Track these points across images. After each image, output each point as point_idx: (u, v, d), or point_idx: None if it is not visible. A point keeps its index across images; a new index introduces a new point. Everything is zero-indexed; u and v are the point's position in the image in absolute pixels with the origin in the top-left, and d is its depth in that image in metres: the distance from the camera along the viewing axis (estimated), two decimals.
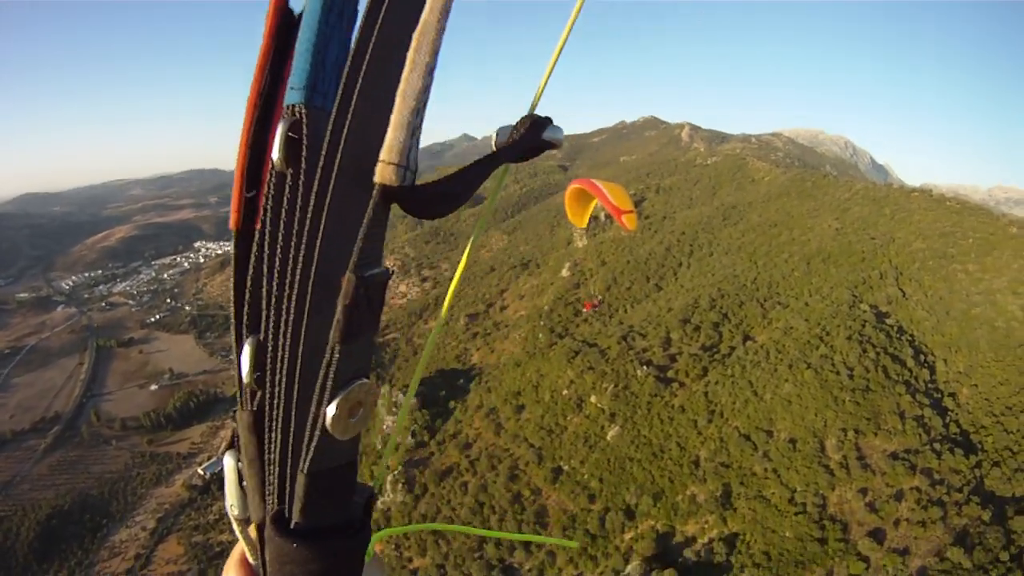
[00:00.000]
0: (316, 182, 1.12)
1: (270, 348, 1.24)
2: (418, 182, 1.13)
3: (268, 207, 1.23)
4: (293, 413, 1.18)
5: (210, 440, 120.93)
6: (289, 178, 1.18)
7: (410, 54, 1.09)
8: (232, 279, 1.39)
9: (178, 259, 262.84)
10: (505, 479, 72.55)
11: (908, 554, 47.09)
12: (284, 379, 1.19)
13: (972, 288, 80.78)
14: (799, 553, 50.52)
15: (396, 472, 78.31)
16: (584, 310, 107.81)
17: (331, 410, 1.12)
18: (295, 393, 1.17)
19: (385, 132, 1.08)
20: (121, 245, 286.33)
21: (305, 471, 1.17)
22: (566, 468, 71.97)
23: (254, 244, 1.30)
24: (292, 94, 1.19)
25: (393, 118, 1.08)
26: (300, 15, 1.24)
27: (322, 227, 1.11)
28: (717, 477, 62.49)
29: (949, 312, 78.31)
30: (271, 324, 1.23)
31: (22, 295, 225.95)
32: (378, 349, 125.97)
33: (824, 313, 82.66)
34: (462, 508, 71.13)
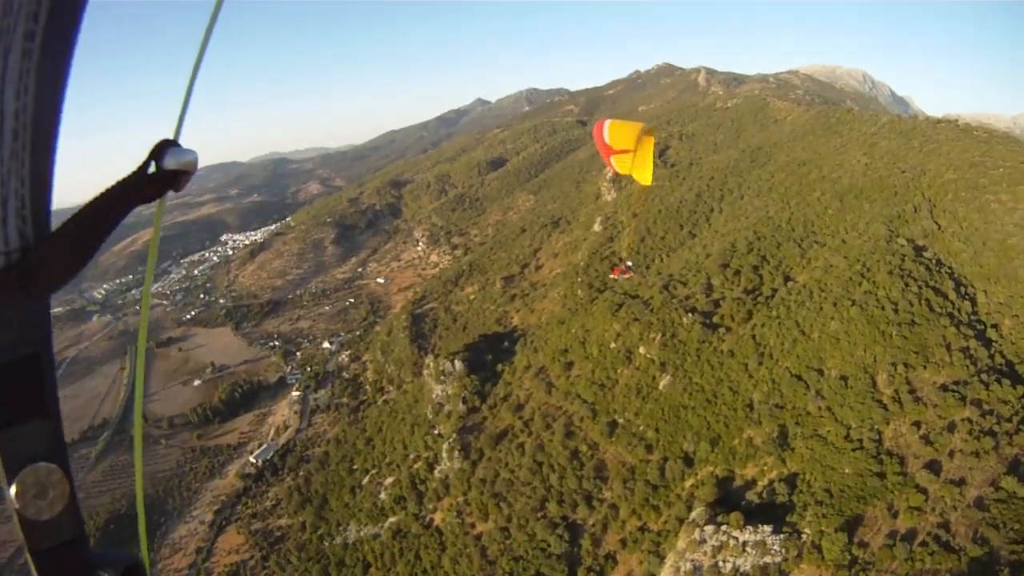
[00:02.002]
0: None
1: None
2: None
3: None
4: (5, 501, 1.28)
5: (258, 428, 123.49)
6: None
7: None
8: None
9: (207, 254, 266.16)
10: (561, 437, 75.30)
11: (964, 484, 49.45)
12: None
13: (1007, 218, 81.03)
14: (859, 488, 53.03)
15: (451, 439, 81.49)
16: (612, 276, 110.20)
17: (12, 494, 1.19)
18: None
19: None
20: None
21: (27, 550, 1.26)
22: (621, 421, 74.61)
23: None
24: None
25: None
26: None
27: None
28: (772, 419, 64.99)
29: (985, 243, 78.96)
30: None
31: (56, 309, 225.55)
32: (420, 319, 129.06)
33: (862, 249, 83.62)
34: (521, 469, 73.88)
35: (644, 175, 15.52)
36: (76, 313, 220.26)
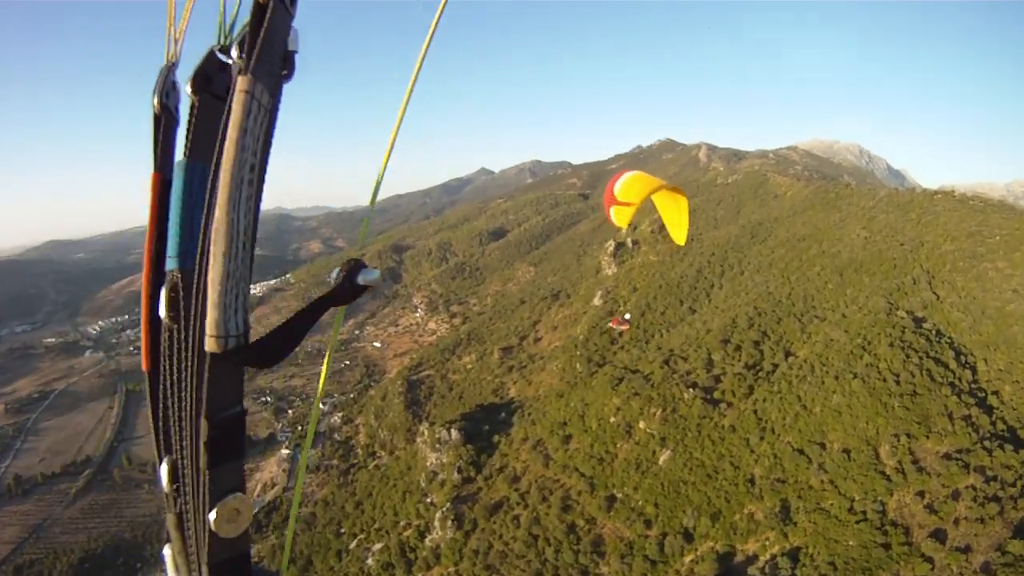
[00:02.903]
0: (190, 336, 1.58)
1: (179, 466, 1.74)
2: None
3: (164, 355, 1.72)
4: (200, 516, 1.67)
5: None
6: (174, 333, 1.67)
7: (214, 234, 1.49)
8: (150, 409, 1.90)
9: None
10: (558, 510, 74.44)
11: (970, 551, 49.09)
12: (190, 490, 1.68)
13: (1004, 285, 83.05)
14: (864, 560, 52.53)
15: (444, 508, 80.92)
16: (611, 326, 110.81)
17: (212, 517, 1.61)
18: (199, 499, 1.64)
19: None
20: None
21: (206, 562, 1.69)
22: (620, 495, 74.04)
23: (159, 383, 1.78)
24: (169, 261, 1.72)
25: (209, 296, 1.48)
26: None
27: (194, 374, 1.56)
28: (774, 493, 64.76)
29: (984, 311, 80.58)
30: (178, 447, 1.74)
31: (49, 340, 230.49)
32: (415, 385, 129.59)
33: (863, 323, 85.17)
34: (515, 542, 72.65)
35: (679, 234, 15.54)
36: (69, 346, 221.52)
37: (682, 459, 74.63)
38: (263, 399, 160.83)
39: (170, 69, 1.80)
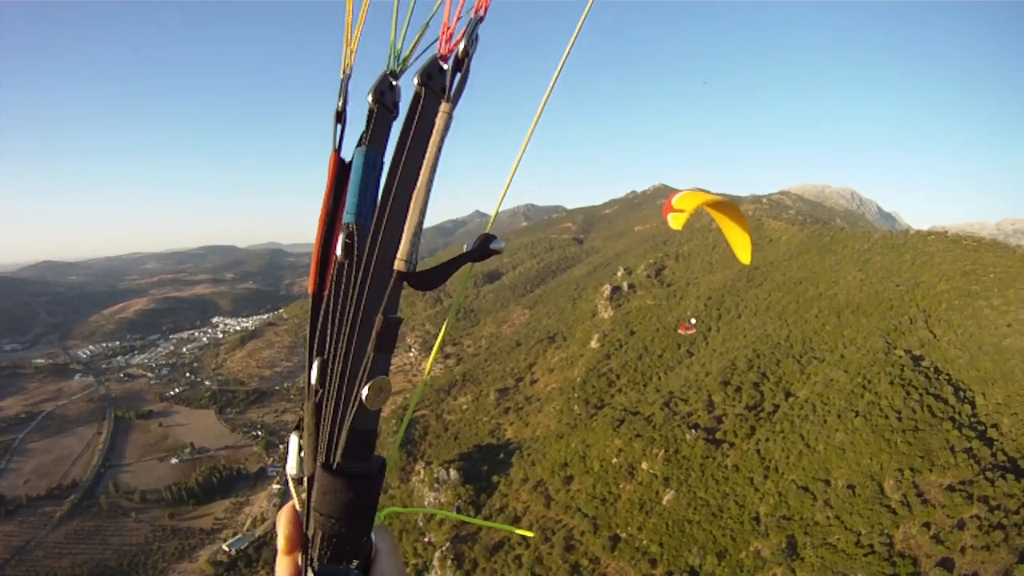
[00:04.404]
0: (362, 269, 2.23)
1: (329, 362, 2.26)
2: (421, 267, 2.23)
3: (333, 282, 2.35)
4: (342, 398, 2.16)
5: (234, 516, 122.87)
6: (345, 267, 2.30)
7: (413, 199, 2.22)
8: (309, 320, 2.44)
9: (196, 334, 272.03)
10: (561, 550, 75.56)
11: None
12: (337, 379, 2.19)
13: (1000, 321, 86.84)
14: None
15: (444, 548, 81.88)
16: (680, 331, 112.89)
17: (365, 391, 2.07)
18: (344, 385, 2.16)
19: (399, 241, 2.18)
20: (138, 317, 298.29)
21: (348, 428, 2.12)
22: (624, 535, 75.48)
23: (323, 302, 2.41)
24: (347, 216, 2.37)
25: (404, 234, 2.18)
26: (349, 163, 2.45)
27: (365, 292, 2.19)
28: (780, 530, 66.68)
29: (981, 347, 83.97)
30: (332, 348, 2.27)
31: (39, 361, 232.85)
32: (410, 425, 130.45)
33: (862, 362, 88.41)
34: None
35: (743, 253, 16.64)
36: (59, 368, 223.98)
37: (686, 499, 76.44)
38: (254, 433, 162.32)
39: (348, 79, 2.63)
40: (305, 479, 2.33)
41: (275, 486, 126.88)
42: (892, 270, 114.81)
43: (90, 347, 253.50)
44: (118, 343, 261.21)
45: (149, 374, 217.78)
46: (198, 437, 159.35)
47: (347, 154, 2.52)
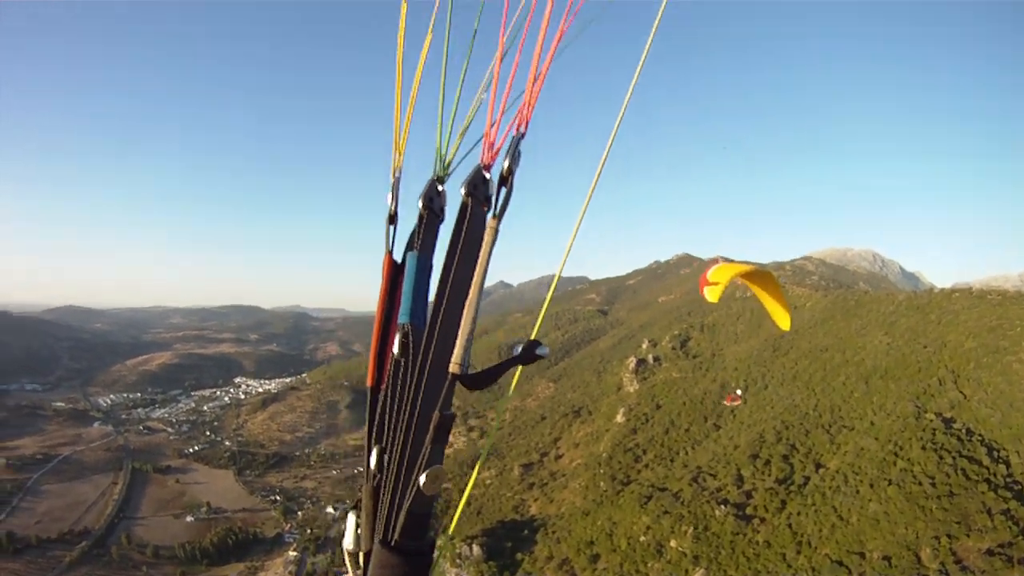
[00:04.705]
0: (417, 368, 2.49)
1: (388, 451, 2.57)
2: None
3: (390, 377, 2.64)
4: (400, 483, 2.45)
5: None
6: (402, 364, 2.57)
7: (466, 308, 2.48)
8: (367, 411, 2.77)
9: (218, 392, 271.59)
10: None
11: None
12: (395, 466, 2.49)
13: None
14: None
15: None
16: (726, 403, 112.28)
17: (423, 478, 2.32)
18: (402, 472, 2.44)
19: (453, 344, 2.40)
20: (161, 371, 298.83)
21: (406, 511, 2.37)
22: None
23: (380, 394, 2.73)
24: (402, 316, 2.69)
25: (459, 339, 2.41)
26: (402, 263, 2.82)
27: (421, 389, 2.46)
28: None
29: (1012, 404, 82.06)
30: (390, 438, 2.57)
31: (59, 404, 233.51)
32: (433, 498, 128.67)
33: (893, 429, 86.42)
34: None
35: (782, 319, 17.48)
36: (78, 414, 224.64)
37: None
38: (272, 497, 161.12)
39: (398, 182, 3.02)
40: (361, 555, 2.76)
41: (291, 553, 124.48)
42: (918, 331, 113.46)
43: (111, 396, 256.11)
44: (139, 395, 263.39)
45: (169, 429, 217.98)
46: (215, 497, 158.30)
47: (397, 253, 2.97)
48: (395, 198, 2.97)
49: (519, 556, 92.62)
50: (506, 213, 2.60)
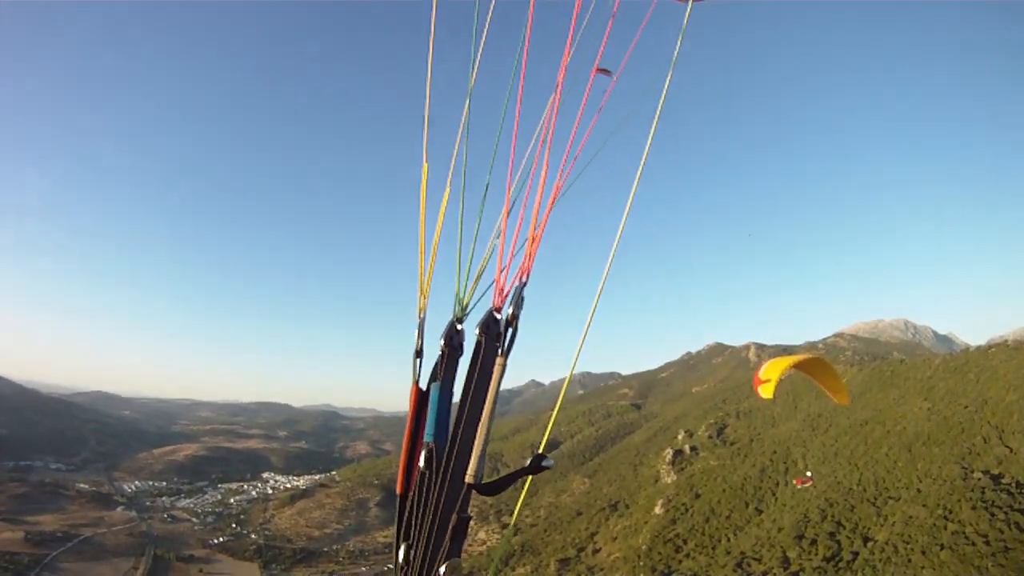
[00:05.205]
0: (439, 478, 3.16)
1: (413, 547, 3.07)
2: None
3: (416, 486, 3.20)
4: (423, 574, 2.95)
5: None
6: (427, 475, 3.19)
7: (479, 429, 3.25)
8: (396, 514, 3.26)
9: (245, 486, 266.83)
10: None
11: None
12: (419, 560, 2.98)
13: None
14: None
15: None
16: (796, 484, 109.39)
17: (443, 569, 2.91)
18: (425, 565, 2.93)
19: (469, 460, 3.11)
20: (188, 462, 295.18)
21: None
22: None
23: (407, 500, 3.25)
24: (427, 436, 3.35)
25: (473, 455, 3.14)
26: (427, 391, 3.49)
27: (443, 496, 3.07)
28: None
29: None
30: (416, 537, 3.06)
31: (82, 485, 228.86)
32: None
33: (940, 493, 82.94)
34: None
35: (839, 396, 17.84)
36: (102, 497, 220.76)
37: None
38: None
39: (423, 323, 3.59)
40: None
41: None
42: (958, 392, 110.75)
43: (136, 482, 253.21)
44: (165, 483, 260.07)
45: (194, 519, 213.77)
46: None
47: (423, 382, 3.58)
48: (420, 336, 3.54)
49: None
50: (512, 350, 3.27)
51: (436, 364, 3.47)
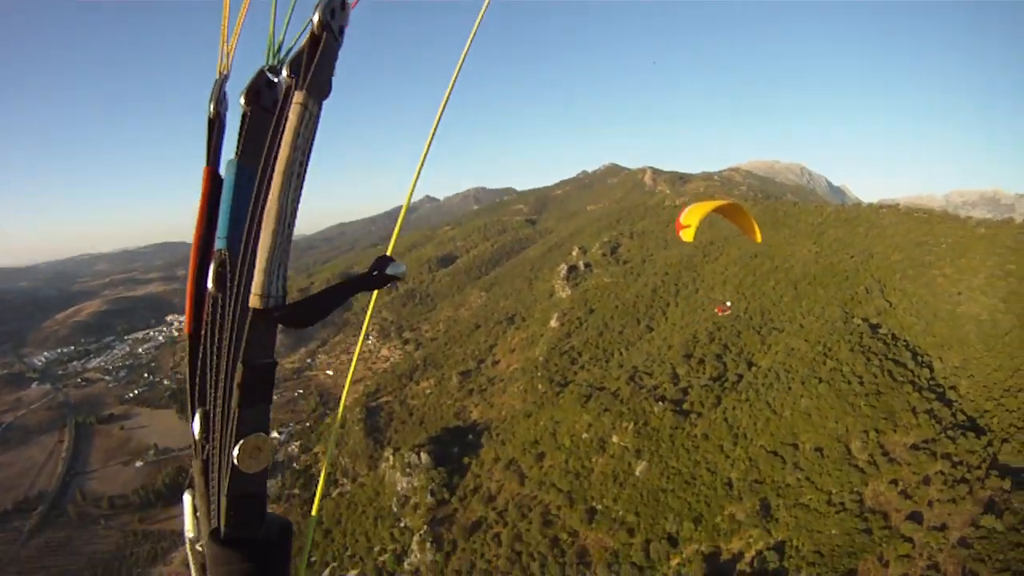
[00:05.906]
0: (234, 304, 2.00)
1: (211, 414, 2.08)
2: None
3: (207, 319, 2.14)
4: (222, 458, 1.97)
5: None
6: (219, 301, 2.09)
7: (264, 215, 1.93)
8: (187, 368, 2.31)
9: (151, 333, 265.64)
10: (539, 525, 77.50)
11: (947, 528, 55.61)
12: (218, 434, 1.99)
13: (952, 289, 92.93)
14: (848, 545, 58.18)
15: (422, 531, 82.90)
16: (717, 312, 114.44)
17: (236, 451, 1.89)
18: (224, 444, 1.96)
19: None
20: (92, 320, 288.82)
21: (226, 495, 1.96)
22: (599, 507, 77.85)
23: (200, 344, 2.23)
24: (218, 241, 2.15)
25: (258, 263, 1.90)
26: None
27: (243, 333, 1.93)
28: (753, 494, 69.99)
29: (936, 314, 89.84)
30: (212, 399, 2.07)
31: None
32: (374, 412, 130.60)
33: (821, 331, 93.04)
34: (499, 559, 75.28)
35: (755, 235, 18.41)
36: (15, 378, 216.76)
37: (658, 469, 79.13)
38: None
39: (223, 80, 2.43)
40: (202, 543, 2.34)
41: None
42: (846, 242, 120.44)
43: (45, 354, 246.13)
44: (73, 348, 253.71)
45: (107, 377, 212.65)
46: (161, 438, 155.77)
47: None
48: (215, 98, 2.46)
49: (466, 460, 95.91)
50: (323, 84, 2.10)
51: (237, 136, 2.43)
